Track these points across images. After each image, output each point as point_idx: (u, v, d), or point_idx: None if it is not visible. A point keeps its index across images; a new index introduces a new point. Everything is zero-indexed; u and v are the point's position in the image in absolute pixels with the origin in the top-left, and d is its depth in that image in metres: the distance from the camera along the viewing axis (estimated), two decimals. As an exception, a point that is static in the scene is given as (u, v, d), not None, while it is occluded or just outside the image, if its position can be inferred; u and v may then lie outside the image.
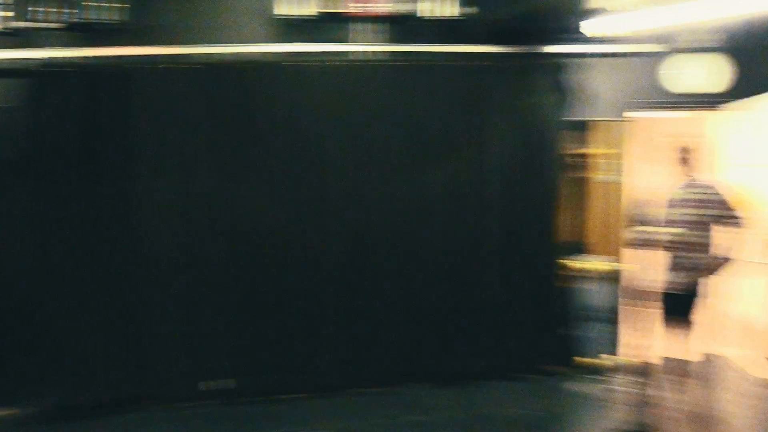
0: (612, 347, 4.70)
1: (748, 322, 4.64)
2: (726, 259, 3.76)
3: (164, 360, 4.18)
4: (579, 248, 5.17)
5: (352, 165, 4.31)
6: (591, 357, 4.68)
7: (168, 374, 4.20)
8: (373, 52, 4.28)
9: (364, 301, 4.41)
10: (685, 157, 3.79)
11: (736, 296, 4.86)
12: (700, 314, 3.89)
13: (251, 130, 4.16)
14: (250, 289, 4.25)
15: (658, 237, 3.81)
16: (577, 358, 4.68)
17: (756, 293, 4.46)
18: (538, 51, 4.46)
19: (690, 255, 3.74)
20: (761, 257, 4.31)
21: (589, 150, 5.55)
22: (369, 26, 4.29)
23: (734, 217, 3.70)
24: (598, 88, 4.69)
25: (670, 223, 3.81)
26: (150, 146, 4.10)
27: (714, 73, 4.80)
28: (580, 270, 4.73)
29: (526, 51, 4.44)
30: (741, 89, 4.81)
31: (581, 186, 4.61)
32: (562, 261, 4.81)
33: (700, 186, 3.77)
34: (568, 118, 4.55)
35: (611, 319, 4.79)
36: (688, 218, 3.75)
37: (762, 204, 4.36)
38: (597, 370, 4.66)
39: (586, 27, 4.02)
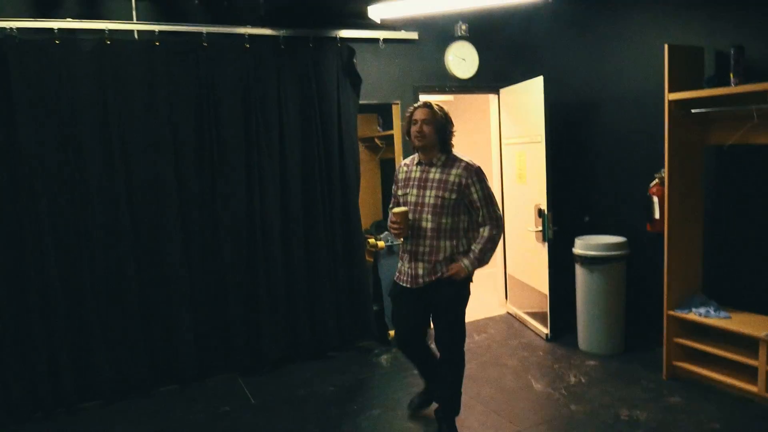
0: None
1: (527, 283, 5.16)
2: (475, 259, 3.12)
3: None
4: (381, 226, 5.41)
5: (129, 154, 4.04)
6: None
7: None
8: (147, 32, 4.04)
9: (160, 295, 4.18)
10: (424, 132, 3.08)
11: (517, 260, 5.40)
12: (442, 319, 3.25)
13: (9, 112, 3.71)
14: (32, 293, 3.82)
15: (394, 220, 3.13)
16: (391, 332, 4.86)
17: (532, 258, 4.98)
18: (327, 35, 4.57)
19: (429, 244, 3.11)
20: (534, 226, 4.80)
21: (381, 132, 5.83)
22: (141, 3, 4.06)
23: (484, 206, 3.12)
24: (386, 72, 4.96)
25: (411, 206, 3.16)
26: None
27: (472, 60, 5.31)
28: (383, 247, 4.93)
29: (314, 35, 4.52)
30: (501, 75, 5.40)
31: (378, 167, 4.86)
32: (368, 240, 5.00)
33: (449, 165, 3.13)
34: (359, 102, 4.73)
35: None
36: (429, 201, 3.10)
37: (530, 176, 4.90)
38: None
39: (374, 13, 4.19)
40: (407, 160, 3.35)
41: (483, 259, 3.14)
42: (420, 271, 3.15)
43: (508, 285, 5.72)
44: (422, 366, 3.55)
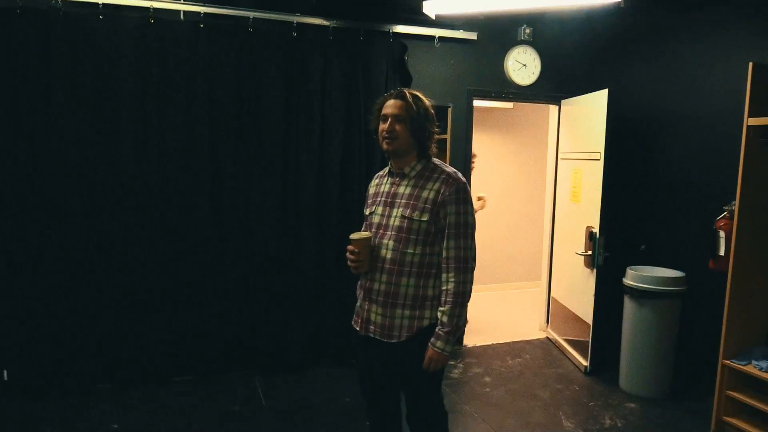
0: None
1: (570, 309, 4.80)
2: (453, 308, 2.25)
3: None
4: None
5: (174, 132, 3.94)
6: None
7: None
8: (193, 12, 3.92)
9: (189, 291, 4.10)
10: (395, 132, 2.29)
11: (562, 284, 5.04)
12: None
13: (48, 84, 3.67)
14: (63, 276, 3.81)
15: (351, 249, 2.35)
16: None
17: (578, 283, 4.62)
18: (379, 29, 4.36)
19: (385, 281, 2.32)
20: (584, 249, 4.44)
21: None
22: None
23: (453, 236, 2.27)
24: (439, 73, 4.70)
25: (373, 228, 2.42)
26: None
27: (534, 66, 4.98)
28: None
29: (365, 27, 4.31)
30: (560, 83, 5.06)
31: None
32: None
33: (424, 177, 2.33)
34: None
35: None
36: (394, 223, 2.33)
37: (584, 196, 4.54)
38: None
39: (429, 8, 3.96)
40: (382, 171, 2.55)
41: (459, 327, 2.29)
42: (372, 316, 2.38)
43: (550, 308, 5.36)
44: None
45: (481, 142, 6.49)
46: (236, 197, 4.14)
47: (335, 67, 4.26)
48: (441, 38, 4.60)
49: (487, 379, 4.34)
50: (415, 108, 2.30)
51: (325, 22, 4.21)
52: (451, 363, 4.59)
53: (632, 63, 4.74)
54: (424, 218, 2.27)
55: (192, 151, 4.00)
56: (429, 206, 2.27)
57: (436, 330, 2.27)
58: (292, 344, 4.34)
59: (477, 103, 4.98)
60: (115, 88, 3.80)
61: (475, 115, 4.94)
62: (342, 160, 4.36)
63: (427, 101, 2.37)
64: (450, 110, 4.76)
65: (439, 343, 2.25)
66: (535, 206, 6.79)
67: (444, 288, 2.30)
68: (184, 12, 3.92)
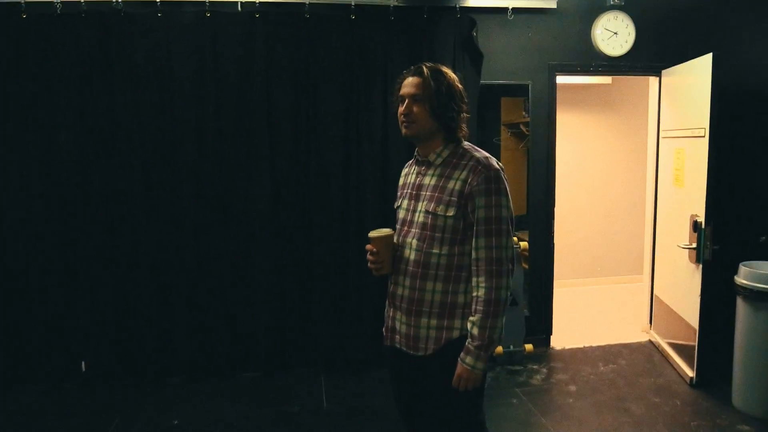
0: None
1: (674, 311, 4.19)
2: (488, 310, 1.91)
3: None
4: (524, 222, 4.76)
5: (232, 125, 3.89)
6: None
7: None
8: (248, 3, 3.81)
9: (257, 288, 4.04)
10: (413, 114, 2.00)
11: (666, 280, 4.44)
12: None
13: (110, 84, 3.74)
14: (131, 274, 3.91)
15: (369, 248, 2.09)
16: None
17: (682, 281, 4.01)
18: (444, 4, 4.01)
19: (409, 285, 2.03)
20: (688, 241, 3.85)
21: (526, 118, 5.09)
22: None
23: (482, 234, 1.93)
24: (515, 48, 4.26)
25: (398, 225, 2.15)
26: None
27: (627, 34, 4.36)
28: (525, 248, 4.35)
29: (429, 4, 3.98)
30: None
31: (524, 155, 4.17)
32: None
33: (452, 165, 2.01)
34: (479, 81, 4.09)
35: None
36: (418, 219, 2.04)
37: (689, 179, 3.92)
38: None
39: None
40: (412, 159, 2.21)
41: (493, 341, 1.93)
42: (396, 325, 2.11)
43: (654, 307, 4.74)
44: None
45: (573, 124, 5.91)
46: (296, 192, 4.02)
47: (397, 48, 4.00)
48: (515, 9, 4.15)
49: (572, 387, 3.89)
50: (434, 85, 1.98)
51: (385, 2, 3.94)
52: (534, 367, 4.18)
53: (745, 25, 4.02)
54: (450, 213, 1.95)
55: (249, 146, 3.93)
56: (455, 199, 1.95)
57: (466, 344, 1.96)
58: (357, 344, 4.16)
59: (562, 79, 4.48)
60: (173, 83, 3.80)
61: (568, 93, 4.44)
62: (407, 151, 4.07)
63: (451, 75, 2.05)
64: (530, 88, 4.32)
65: (468, 359, 1.93)
66: (636, 192, 6.09)
67: (474, 294, 1.96)
68: (242, 3, 3.82)
